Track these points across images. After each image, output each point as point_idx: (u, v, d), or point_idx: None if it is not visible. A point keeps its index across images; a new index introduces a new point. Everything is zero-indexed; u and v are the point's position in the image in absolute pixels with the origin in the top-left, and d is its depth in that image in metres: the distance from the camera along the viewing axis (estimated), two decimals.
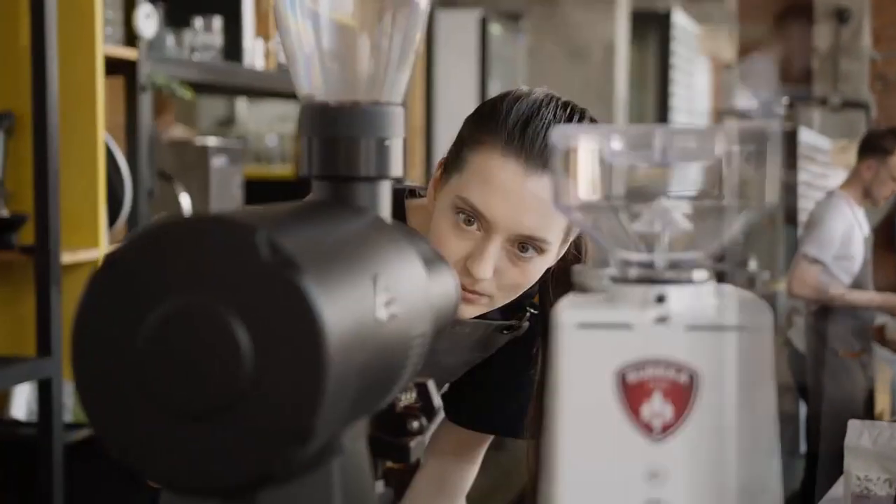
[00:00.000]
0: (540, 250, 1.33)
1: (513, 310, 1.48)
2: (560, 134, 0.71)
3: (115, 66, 2.93)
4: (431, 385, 0.87)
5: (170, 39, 3.25)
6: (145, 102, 3.02)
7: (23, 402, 2.98)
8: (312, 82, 0.80)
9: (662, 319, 0.68)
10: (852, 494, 2.01)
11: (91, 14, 2.73)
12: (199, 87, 3.64)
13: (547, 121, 1.32)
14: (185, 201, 3.28)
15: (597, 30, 6.14)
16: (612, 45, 6.14)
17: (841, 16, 8.20)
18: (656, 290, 0.69)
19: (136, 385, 0.63)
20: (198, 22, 3.38)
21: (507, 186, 1.30)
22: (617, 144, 0.71)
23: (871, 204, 4.90)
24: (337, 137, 0.79)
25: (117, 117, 2.99)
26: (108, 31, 2.91)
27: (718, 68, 9.28)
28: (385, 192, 0.81)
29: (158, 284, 0.62)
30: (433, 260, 0.86)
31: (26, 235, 2.65)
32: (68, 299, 2.66)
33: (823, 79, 8.04)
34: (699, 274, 0.71)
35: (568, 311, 0.70)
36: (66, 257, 2.65)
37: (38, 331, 2.62)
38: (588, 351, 0.69)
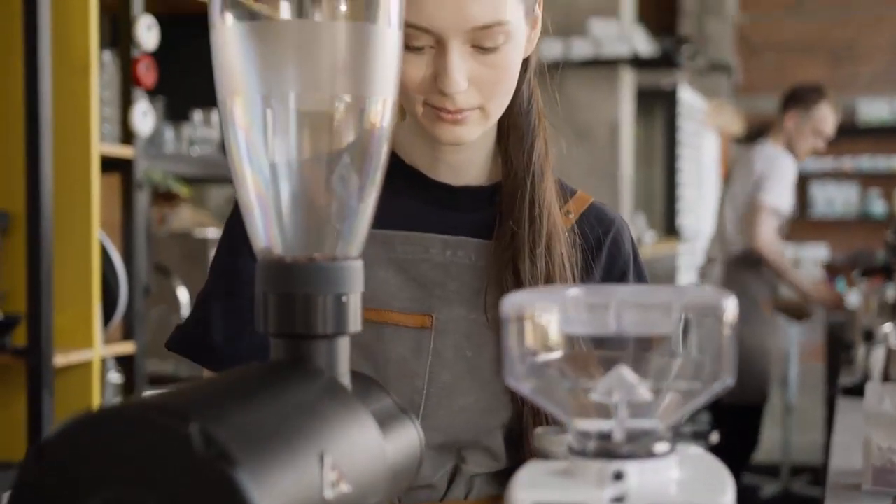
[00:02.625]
0: (503, 36, 1.23)
1: None
2: (511, 302, 0.69)
3: (111, 164, 2.93)
4: None
5: (168, 133, 3.26)
6: (142, 199, 3.01)
7: None
8: (269, 236, 0.78)
9: (619, 500, 0.66)
10: (873, 467, 1.75)
11: (87, 112, 2.73)
12: (198, 181, 3.65)
13: None
14: (184, 295, 3.26)
15: (601, 110, 6.14)
16: (616, 125, 6.14)
17: None
18: (614, 466, 0.67)
19: None
20: (196, 115, 3.38)
21: None
22: (571, 312, 0.68)
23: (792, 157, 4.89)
24: (293, 294, 0.76)
25: (113, 213, 2.98)
26: (106, 129, 2.91)
27: (726, 141, 9.29)
28: (343, 349, 0.79)
29: (88, 477, 0.60)
30: (392, 415, 0.83)
31: (19, 337, 2.63)
32: (61, 403, 2.63)
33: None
34: (660, 446, 0.68)
35: (523, 489, 0.67)
36: (60, 359, 2.62)
37: (29, 435, 2.58)
38: None
